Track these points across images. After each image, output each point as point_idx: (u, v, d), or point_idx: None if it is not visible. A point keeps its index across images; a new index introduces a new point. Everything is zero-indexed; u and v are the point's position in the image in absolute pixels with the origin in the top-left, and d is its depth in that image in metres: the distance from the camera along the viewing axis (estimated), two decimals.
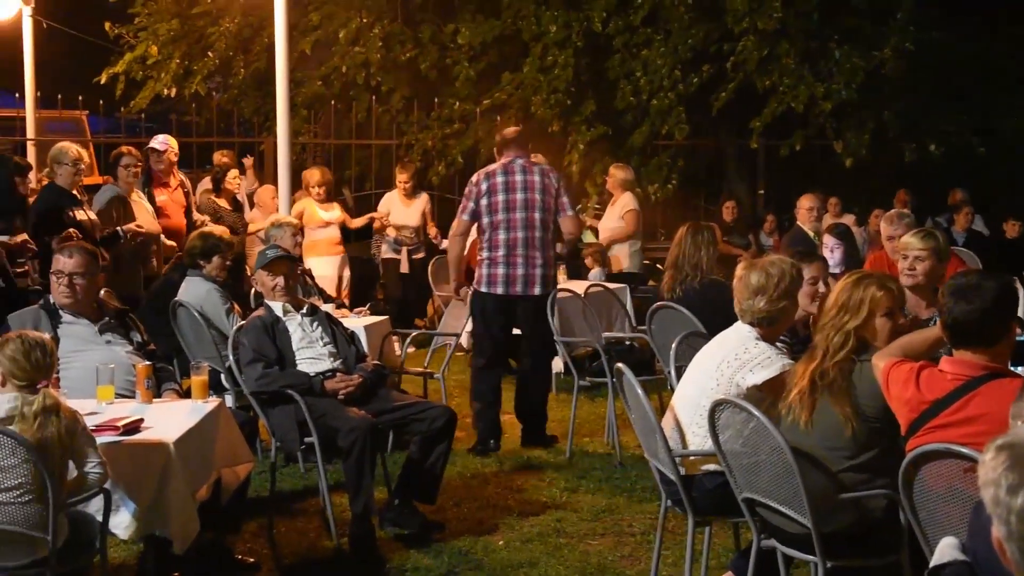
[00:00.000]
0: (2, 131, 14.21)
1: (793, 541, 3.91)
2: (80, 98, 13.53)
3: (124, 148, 8.63)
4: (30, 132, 12.37)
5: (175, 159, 9.03)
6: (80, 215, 7.39)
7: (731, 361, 4.34)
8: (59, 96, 12.85)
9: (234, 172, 10.14)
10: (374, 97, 13.40)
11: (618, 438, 6.98)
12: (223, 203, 9.87)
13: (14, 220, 7.01)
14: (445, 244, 11.12)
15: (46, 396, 3.84)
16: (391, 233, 10.85)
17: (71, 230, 7.27)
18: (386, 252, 11.00)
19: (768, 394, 4.21)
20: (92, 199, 8.27)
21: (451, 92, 13.23)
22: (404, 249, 10.80)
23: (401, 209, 10.82)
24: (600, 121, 12.89)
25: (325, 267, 9.70)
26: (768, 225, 12.99)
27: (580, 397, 7.41)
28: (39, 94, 12.46)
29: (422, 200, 11.00)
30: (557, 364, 8.72)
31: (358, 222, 10.79)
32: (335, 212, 10.15)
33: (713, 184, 14.83)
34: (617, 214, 10.41)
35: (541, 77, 12.72)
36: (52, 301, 5.22)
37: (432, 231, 11.16)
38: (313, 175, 10.12)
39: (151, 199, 8.63)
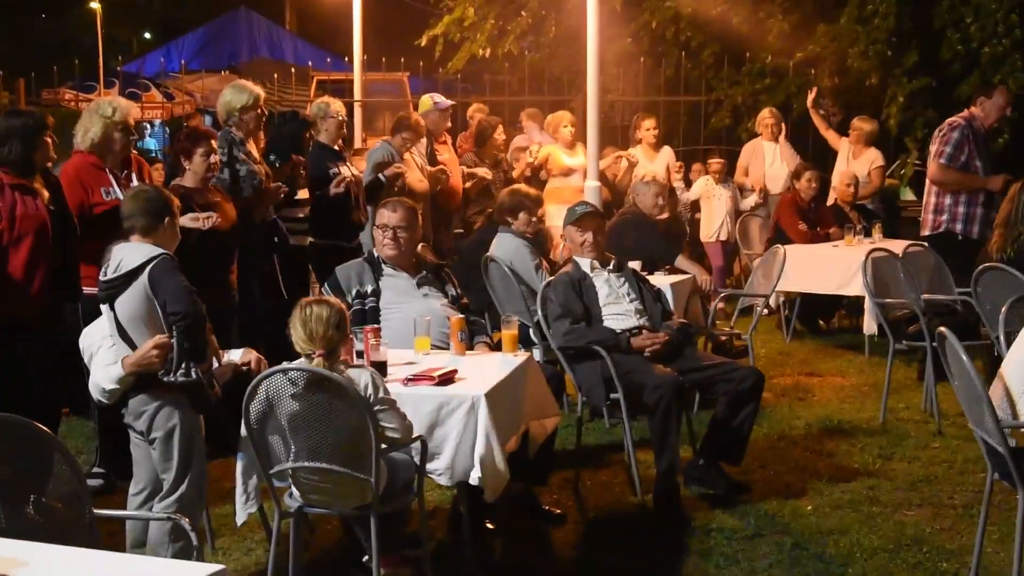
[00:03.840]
0: (334, 93, 15.05)
1: None
2: (402, 60, 14.15)
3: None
4: (357, 94, 13.09)
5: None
6: (344, 170, 7.44)
7: None
8: (383, 59, 13.51)
9: (499, 129, 9.49)
10: (683, 53, 13.23)
11: (937, 405, 6.63)
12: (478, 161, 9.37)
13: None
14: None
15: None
16: None
17: (345, 175, 7.30)
18: None
19: None
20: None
21: (763, 46, 12.86)
22: None
23: (645, 163, 10.14)
24: (923, 72, 12.15)
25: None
26: None
27: (895, 361, 7.07)
28: (366, 57, 13.13)
29: (666, 153, 10.47)
30: (871, 326, 8.38)
31: (604, 162, 9.87)
32: (580, 158, 9.47)
33: None
34: (864, 169, 10.08)
35: (859, 28, 12.12)
36: (376, 254, 5.50)
37: (678, 183, 10.48)
38: (563, 117, 9.63)
39: (432, 157, 8.62)
